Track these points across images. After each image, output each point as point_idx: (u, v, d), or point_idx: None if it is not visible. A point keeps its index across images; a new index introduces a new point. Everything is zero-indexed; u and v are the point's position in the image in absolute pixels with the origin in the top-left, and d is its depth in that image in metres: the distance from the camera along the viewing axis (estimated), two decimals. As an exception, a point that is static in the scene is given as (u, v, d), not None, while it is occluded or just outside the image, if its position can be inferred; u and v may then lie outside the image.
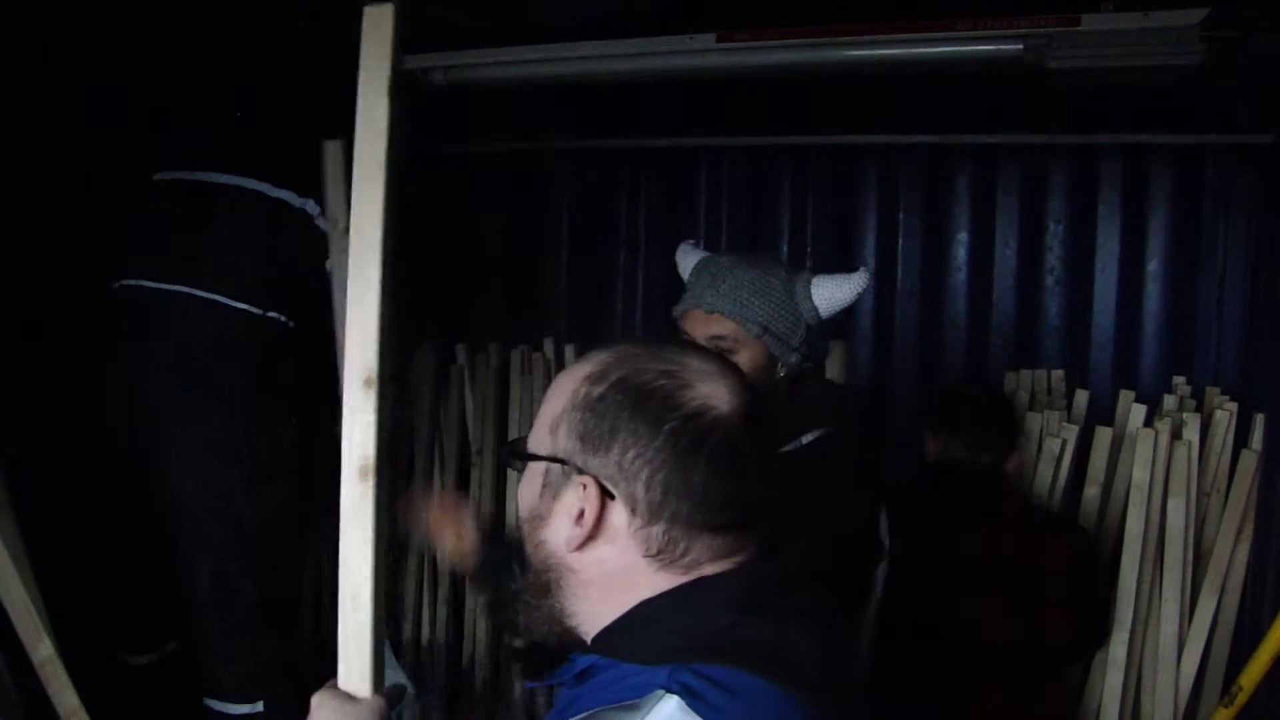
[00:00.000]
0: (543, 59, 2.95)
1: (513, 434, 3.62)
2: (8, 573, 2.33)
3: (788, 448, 1.85)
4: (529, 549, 1.13)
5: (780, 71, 2.85)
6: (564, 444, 1.07)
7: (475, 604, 3.58)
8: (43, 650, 2.36)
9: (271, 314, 2.72)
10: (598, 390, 1.07)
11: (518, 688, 3.42)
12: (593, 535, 1.06)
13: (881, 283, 3.61)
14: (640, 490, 1.03)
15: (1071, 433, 2.96)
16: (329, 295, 2.70)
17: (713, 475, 1.03)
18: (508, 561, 1.59)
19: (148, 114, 2.97)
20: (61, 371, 2.78)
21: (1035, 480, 3.00)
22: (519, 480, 1.14)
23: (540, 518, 1.10)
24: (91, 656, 2.40)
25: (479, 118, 3.71)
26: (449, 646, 3.64)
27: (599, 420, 1.05)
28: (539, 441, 1.10)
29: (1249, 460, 2.89)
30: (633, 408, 1.04)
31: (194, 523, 2.74)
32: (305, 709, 1.19)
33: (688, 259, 2.09)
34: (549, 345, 3.69)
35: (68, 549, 2.46)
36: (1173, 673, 2.87)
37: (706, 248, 2.13)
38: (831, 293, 1.94)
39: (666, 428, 1.03)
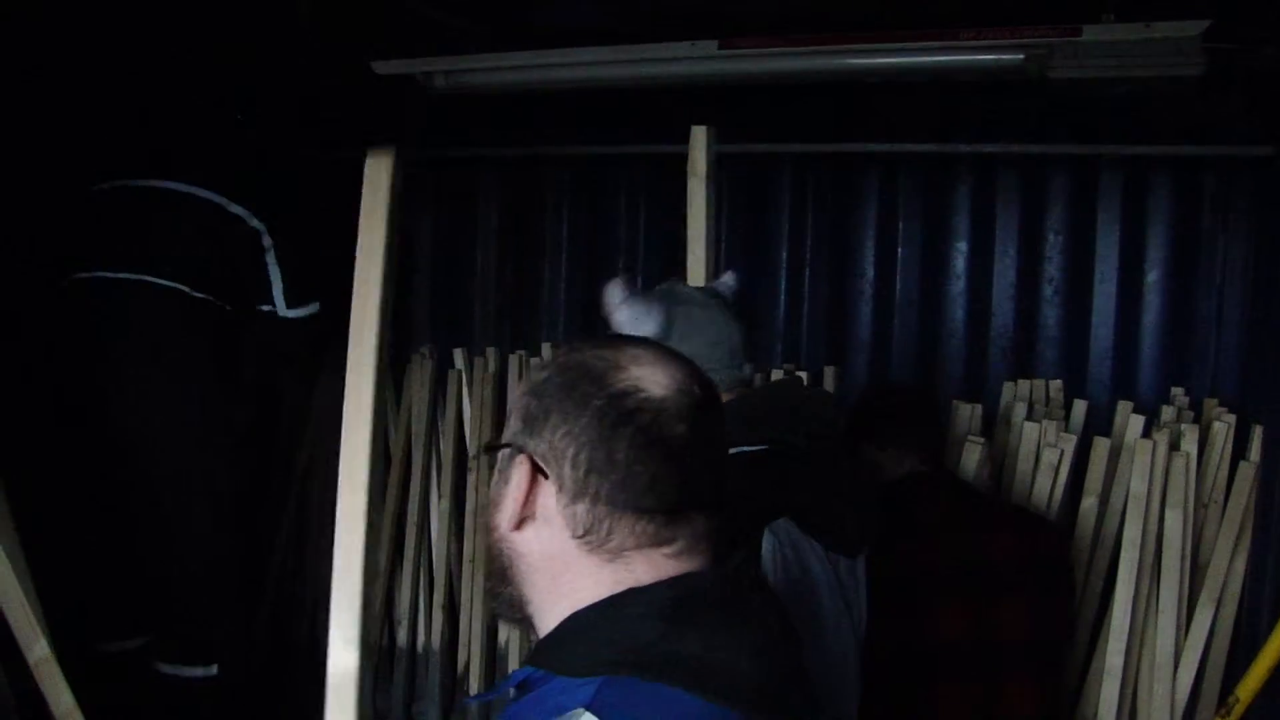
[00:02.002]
0: (544, 64, 2.96)
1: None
2: (3, 571, 2.32)
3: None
4: (488, 536, 1.14)
5: (782, 79, 2.86)
6: (513, 428, 1.10)
7: (471, 610, 3.58)
8: (38, 650, 2.35)
9: (210, 297, 2.88)
10: (541, 375, 1.09)
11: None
12: (530, 515, 1.07)
13: (880, 291, 3.61)
14: (568, 468, 1.04)
15: (1069, 443, 2.96)
16: (266, 289, 2.97)
17: (636, 455, 1.03)
18: None
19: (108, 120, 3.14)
20: (27, 364, 2.88)
21: (1034, 491, 3.00)
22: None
23: (494, 503, 1.11)
24: (70, 647, 2.42)
25: (479, 122, 3.71)
26: (444, 652, 3.64)
27: (538, 401, 1.07)
28: (503, 434, 1.13)
29: (1247, 472, 2.89)
30: (567, 388, 1.06)
31: (172, 496, 2.87)
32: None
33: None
34: (547, 350, 3.70)
35: (46, 539, 2.48)
36: (1169, 683, 2.87)
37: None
38: (616, 320, 2.00)
39: (594, 405, 1.04)
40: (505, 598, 1.13)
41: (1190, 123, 3.14)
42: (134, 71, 3.09)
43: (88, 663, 2.58)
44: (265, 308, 3.00)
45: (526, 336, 3.92)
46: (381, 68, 3.07)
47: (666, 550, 1.05)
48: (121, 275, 2.84)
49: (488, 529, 1.13)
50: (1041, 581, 2.45)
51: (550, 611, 1.08)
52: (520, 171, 3.95)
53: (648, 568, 1.05)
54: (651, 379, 1.05)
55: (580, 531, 1.04)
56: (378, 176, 1.39)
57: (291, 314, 3.00)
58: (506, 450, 1.09)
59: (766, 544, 1.67)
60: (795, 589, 1.67)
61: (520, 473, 1.06)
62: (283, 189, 3.16)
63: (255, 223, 2.92)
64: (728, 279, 2.16)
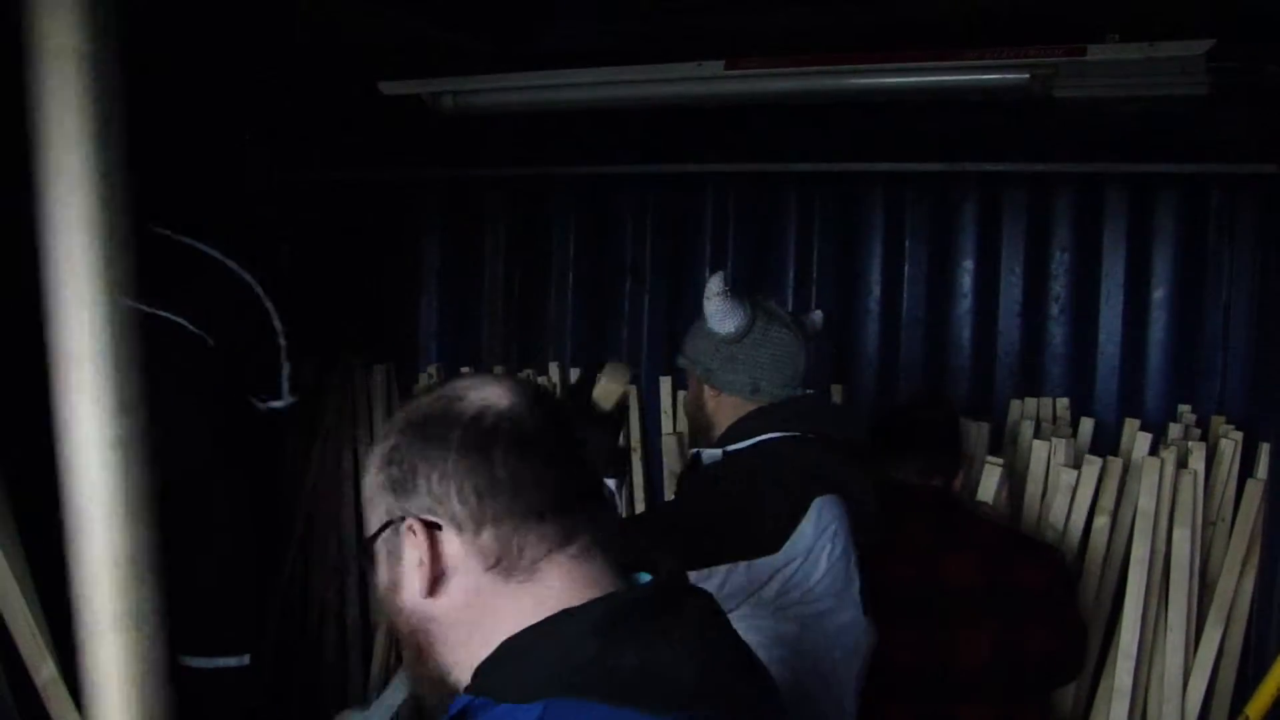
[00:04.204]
0: (551, 85, 2.97)
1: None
2: (10, 591, 2.32)
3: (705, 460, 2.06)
4: (395, 625, 1.15)
5: (788, 99, 2.87)
6: (383, 506, 1.10)
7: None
8: (45, 672, 2.34)
9: (219, 345, 3.04)
10: (388, 444, 1.11)
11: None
12: (439, 574, 1.07)
13: (886, 310, 3.62)
14: (457, 506, 1.05)
15: (1094, 466, 2.93)
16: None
17: (515, 465, 1.05)
18: None
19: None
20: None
21: (1043, 510, 2.99)
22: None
23: (394, 587, 1.11)
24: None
25: (486, 142, 3.73)
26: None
27: (399, 467, 1.08)
28: (369, 526, 1.13)
29: (1254, 489, 2.88)
30: (420, 439, 1.08)
31: (181, 494, 2.92)
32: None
33: None
34: (554, 370, 3.70)
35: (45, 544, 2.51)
36: (1178, 703, 2.86)
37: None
38: (705, 309, 2.09)
39: (454, 438, 1.06)
40: (427, 677, 1.13)
41: (1196, 141, 3.15)
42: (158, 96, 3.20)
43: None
44: (273, 402, 3.18)
45: (533, 356, 3.93)
46: (388, 88, 3.08)
47: (571, 551, 1.07)
48: (154, 310, 2.96)
49: (395, 615, 1.13)
50: (1007, 611, 2.39)
51: (478, 656, 1.07)
52: (527, 191, 3.96)
53: (560, 577, 1.06)
54: (492, 395, 1.08)
55: (493, 561, 1.06)
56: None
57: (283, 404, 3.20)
58: (387, 531, 1.10)
59: (816, 511, 1.86)
60: (845, 562, 1.87)
61: (413, 538, 1.07)
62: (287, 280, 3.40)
63: (278, 322, 3.11)
64: (816, 317, 2.28)
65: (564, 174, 3.87)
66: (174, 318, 2.94)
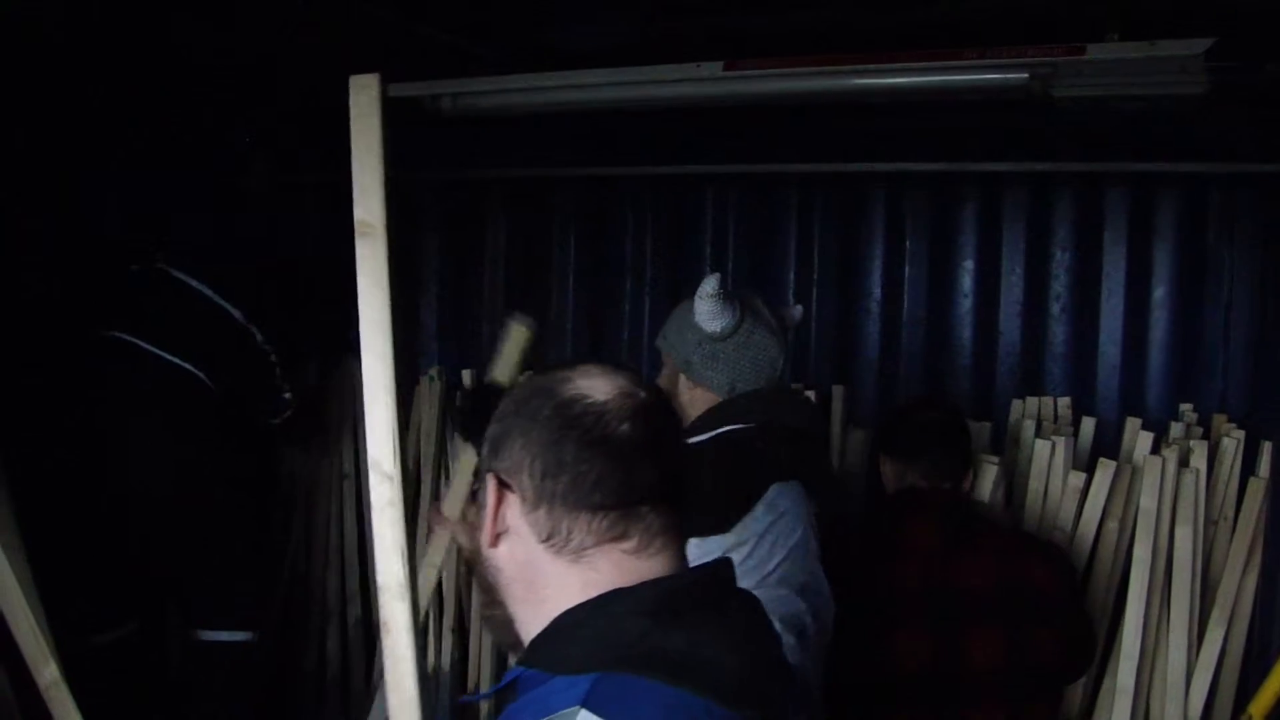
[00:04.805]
0: (550, 86, 2.97)
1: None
2: (13, 594, 2.33)
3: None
4: (475, 563, 1.23)
5: (787, 100, 2.87)
6: (484, 456, 1.20)
7: (481, 631, 3.57)
8: (48, 674, 2.35)
9: (210, 383, 3.24)
10: (506, 404, 1.19)
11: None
12: (504, 530, 1.15)
13: (887, 310, 3.61)
14: (526, 478, 1.12)
15: (1108, 469, 2.93)
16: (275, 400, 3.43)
17: (581, 455, 1.10)
18: None
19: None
20: (52, 397, 3.19)
21: (1045, 512, 2.99)
22: None
23: (476, 526, 1.19)
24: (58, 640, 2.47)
25: (486, 144, 3.72)
26: (455, 673, 3.63)
27: (500, 425, 1.17)
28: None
29: (1256, 488, 2.89)
30: (522, 407, 1.15)
31: (195, 502, 3.19)
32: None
33: None
34: (555, 371, 3.70)
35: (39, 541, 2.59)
36: (1181, 702, 2.86)
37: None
38: (696, 306, 2.13)
39: (543, 415, 1.12)
40: (498, 620, 1.20)
41: (1195, 140, 3.14)
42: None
43: (82, 658, 2.70)
44: (273, 419, 3.47)
45: (534, 357, 3.92)
46: (388, 91, 3.08)
47: (624, 546, 1.11)
48: (143, 344, 3.16)
49: (474, 555, 1.22)
50: (1017, 612, 2.40)
51: (534, 621, 1.13)
52: (527, 193, 3.96)
53: (610, 566, 1.11)
54: (596, 387, 1.13)
55: (544, 535, 1.11)
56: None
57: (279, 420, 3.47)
58: (484, 478, 1.18)
59: (772, 495, 1.95)
60: (804, 549, 1.95)
61: (489, 491, 1.14)
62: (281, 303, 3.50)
63: (274, 357, 3.32)
64: (797, 311, 2.35)
65: (564, 175, 3.87)
66: (193, 370, 3.17)
